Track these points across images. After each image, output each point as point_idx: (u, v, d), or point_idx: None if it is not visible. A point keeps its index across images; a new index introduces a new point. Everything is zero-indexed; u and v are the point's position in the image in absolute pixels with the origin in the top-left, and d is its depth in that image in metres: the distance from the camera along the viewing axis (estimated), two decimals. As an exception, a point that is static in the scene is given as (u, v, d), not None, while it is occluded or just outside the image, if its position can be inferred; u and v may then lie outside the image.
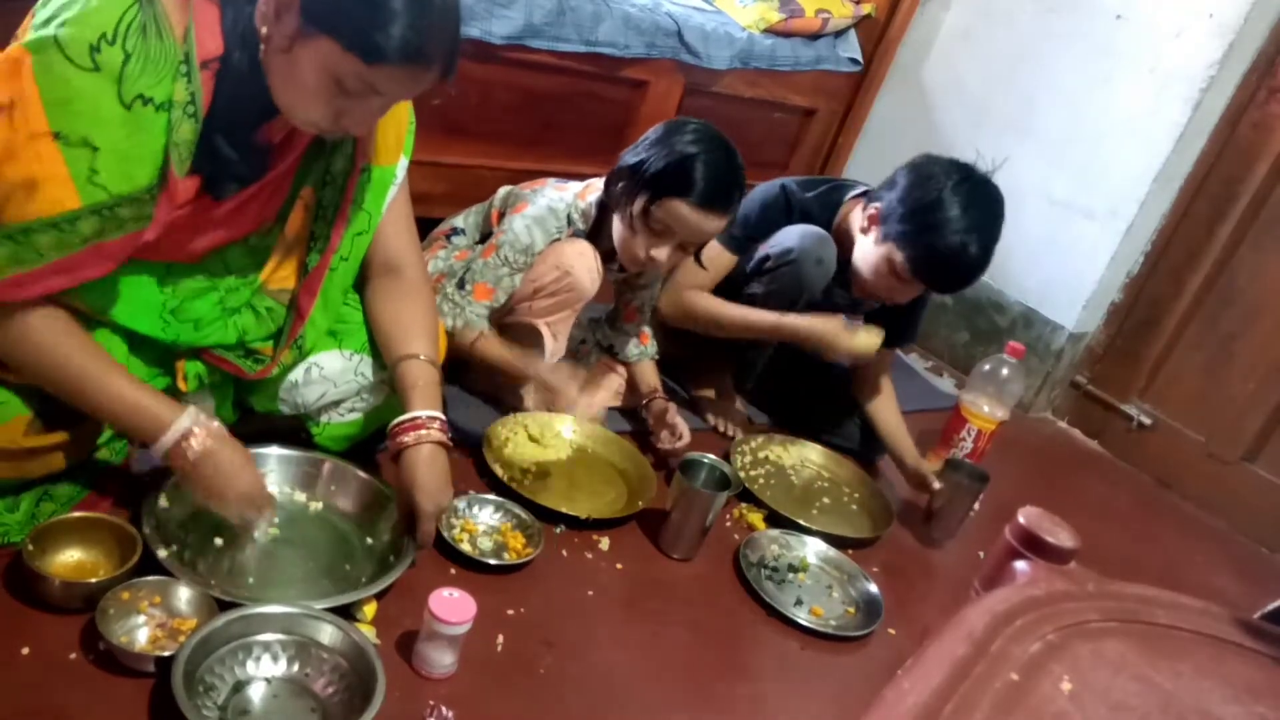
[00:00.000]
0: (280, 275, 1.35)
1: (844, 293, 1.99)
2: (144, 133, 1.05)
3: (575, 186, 1.80)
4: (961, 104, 2.98)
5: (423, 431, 1.32)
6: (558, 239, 1.74)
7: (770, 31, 2.72)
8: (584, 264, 1.70)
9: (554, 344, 1.76)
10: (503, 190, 1.85)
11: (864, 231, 1.89)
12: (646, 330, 2.02)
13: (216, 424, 1.22)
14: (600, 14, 2.28)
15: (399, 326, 1.40)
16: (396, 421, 1.34)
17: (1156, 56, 2.56)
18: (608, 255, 1.78)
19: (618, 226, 1.72)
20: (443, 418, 1.35)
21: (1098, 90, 2.67)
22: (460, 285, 1.72)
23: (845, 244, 1.95)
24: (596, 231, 1.77)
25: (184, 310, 1.27)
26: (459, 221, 1.88)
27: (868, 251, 1.88)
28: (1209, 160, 2.60)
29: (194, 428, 1.18)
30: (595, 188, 1.77)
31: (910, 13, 3.00)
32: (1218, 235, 2.60)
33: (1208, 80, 2.49)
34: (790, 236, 1.92)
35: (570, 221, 1.75)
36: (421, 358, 1.37)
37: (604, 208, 1.76)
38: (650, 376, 2.00)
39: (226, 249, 1.29)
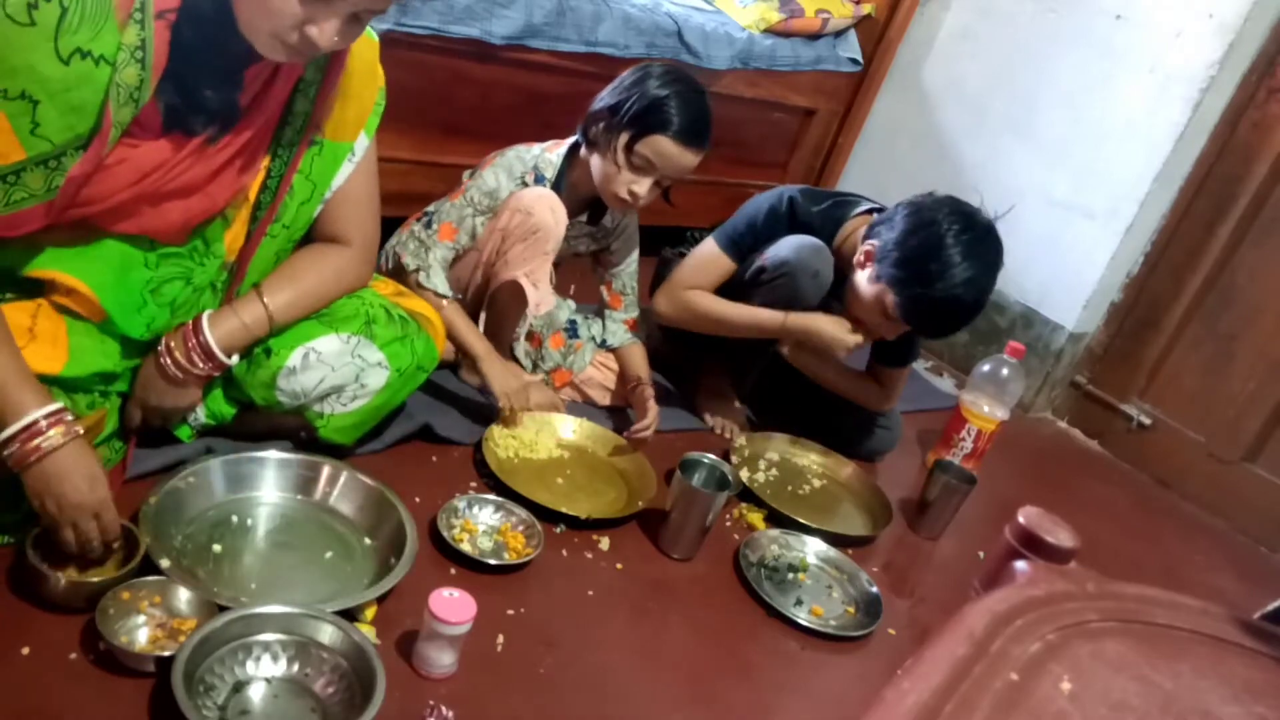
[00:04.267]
0: (236, 246, 1.36)
1: (841, 306, 1.99)
2: (84, 86, 1.06)
3: (543, 144, 1.86)
4: (961, 104, 2.98)
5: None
6: (522, 185, 1.79)
7: (770, 32, 2.73)
8: (544, 204, 1.75)
9: (535, 292, 1.78)
10: (467, 171, 1.92)
11: (860, 266, 1.88)
12: (633, 316, 2.04)
13: (76, 427, 1.14)
14: (600, 14, 2.28)
15: (284, 267, 1.38)
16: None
17: (1156, 56, 2.56)
18: (580, 207, 1.86)
19: (598, 166, 1.79)
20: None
21: (1097, 90, 2.68)
22: (427, 225, 1.78)
23: (846, 260, 1.94)
24: (560, 184, 1.83)
25: (163, 292, 1.28)
26: (430, 209, 1.92)
27: (862, 286, 1.87)
28: (1209, 160, 2.60)
29: (41, 421, 1.10)
30: (562, 143, 1.85)
31: (910, 13, 3.01)
32: (1218, 235, 2.60)
33: (1208, 80, 2.49)
34: (787, 248, 1.91)
35: (536, 169, 1.81)
36: (264, 300, 1.33)
37: (572, 157, 1.84)
38: (638, 364, 2.00)
39: (207, 226, 1.30)
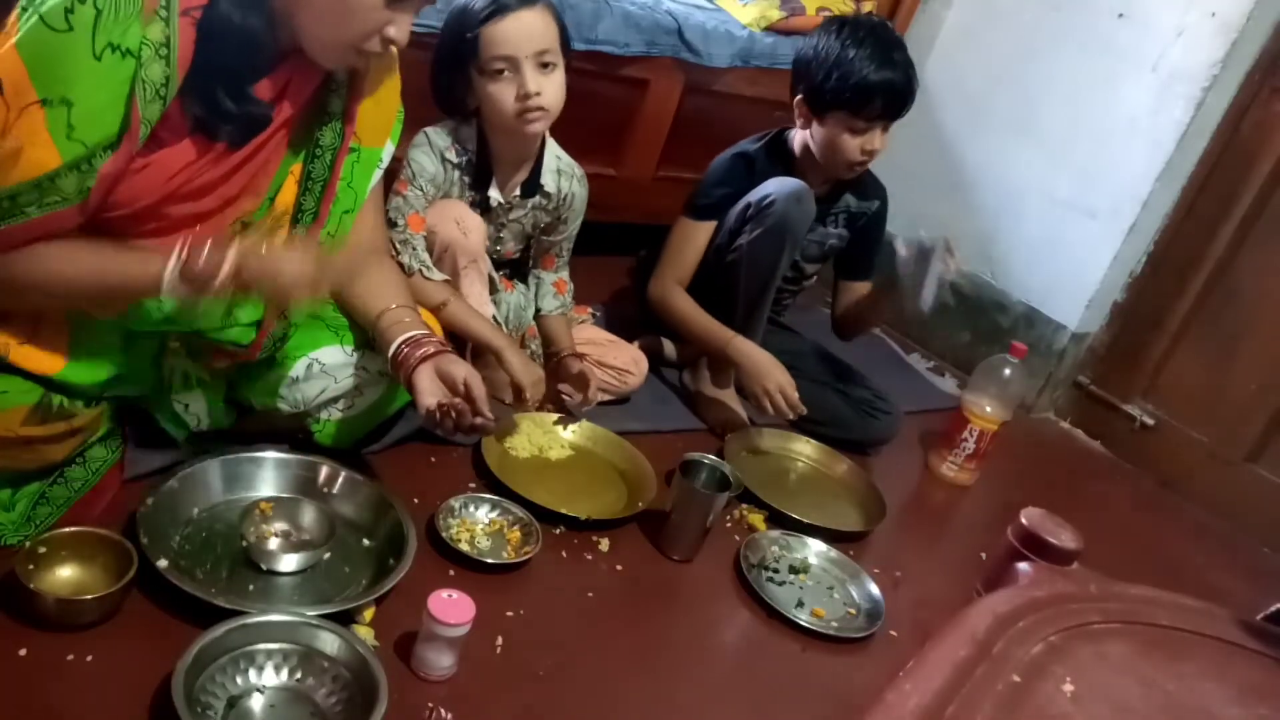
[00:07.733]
0: None
1: (815, 226, 2.07)
2: (113, 79, 1.06)
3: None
4: (963, 103, 2.98)
5: (426, 348, 1.37)
6: (443, 162, 1.74)
7: (771, 30, 2.72)
8: (444, 218, 1.71)
9: (469, 296, 1.74)
10: None
11: (805, 126, 2.02)
12: (563, 277, 2.00)
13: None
14: (600, 12, 2.28)
15: (370, 291, 1.42)
16: (402, 340, 1.37)
17: (1159, 55, 2.56)
18: (527, 187, 1.81)
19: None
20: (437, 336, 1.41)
21: (1100, 89, 2.67)
22: (393, 225, 1.69)
23: (809, 170, 2.05)
24: (485, 153, 1.77)
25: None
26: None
27: (819, 134, 2.00)
28: (1212, 159, 2.59)
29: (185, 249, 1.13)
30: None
31: (911, 11, 3.00)
32: (1220, 234, 2.59)
33: (1210, 79, 2.48)
34: (768, 185, 1.98)
35: (442, 150, 1.74)
36: (394, 306, 1.40)
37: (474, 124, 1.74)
38: (561, 334, 1.95)
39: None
